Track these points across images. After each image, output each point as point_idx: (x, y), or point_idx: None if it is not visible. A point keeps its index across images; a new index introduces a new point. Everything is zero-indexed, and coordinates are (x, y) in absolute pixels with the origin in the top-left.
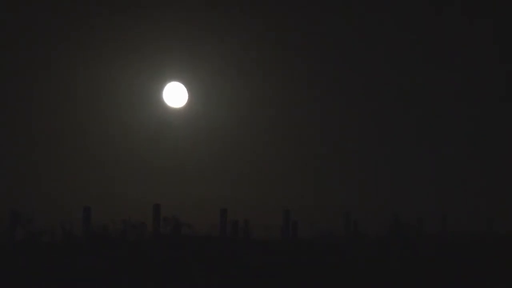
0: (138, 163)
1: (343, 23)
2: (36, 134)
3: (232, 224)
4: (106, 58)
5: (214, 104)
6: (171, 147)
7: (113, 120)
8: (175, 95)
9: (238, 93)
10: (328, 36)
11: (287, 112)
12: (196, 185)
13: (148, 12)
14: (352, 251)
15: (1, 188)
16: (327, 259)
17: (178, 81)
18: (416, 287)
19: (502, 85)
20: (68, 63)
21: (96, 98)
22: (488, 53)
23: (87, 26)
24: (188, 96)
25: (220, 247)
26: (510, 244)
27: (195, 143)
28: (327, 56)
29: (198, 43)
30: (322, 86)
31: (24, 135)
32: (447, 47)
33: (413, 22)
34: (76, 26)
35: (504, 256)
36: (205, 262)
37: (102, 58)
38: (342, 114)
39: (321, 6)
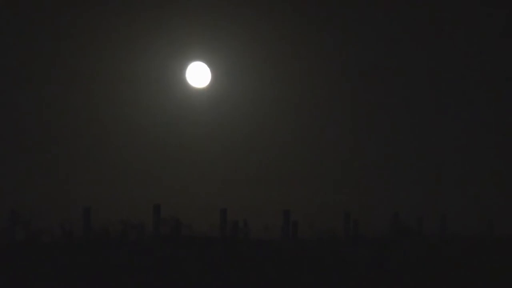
0: (140, 162)
1: (380, 18)
2: (36, 134)
3: (232, 224)
4: (125, 38)
5: (238, 84)
6: (182, 140)
7: (132, 104)
8: (198, 75)
9: (261, 72)
10: (340, 34)
11: (288, 110)
12: (197, 185)
13: None
14: (352, 251)
15: (1, 188)
16: (327, 259)
17: (201, 61)
18: (415, 287)
19: (501, 87)
20: (84, 44)
21: (116, 81)
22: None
23: (107, 7)
24: (211, 76)
25: (220, 247)
26: (510, 246)
27: (207, 136)
28: (326, 55)
29: (222, 22)
30: (326, 86)
31: (24, 135)
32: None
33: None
34: (96, 7)
35: (504, 257)
36: (205, 262)
37: (121, 38)
38: (342, 114)
39: None
